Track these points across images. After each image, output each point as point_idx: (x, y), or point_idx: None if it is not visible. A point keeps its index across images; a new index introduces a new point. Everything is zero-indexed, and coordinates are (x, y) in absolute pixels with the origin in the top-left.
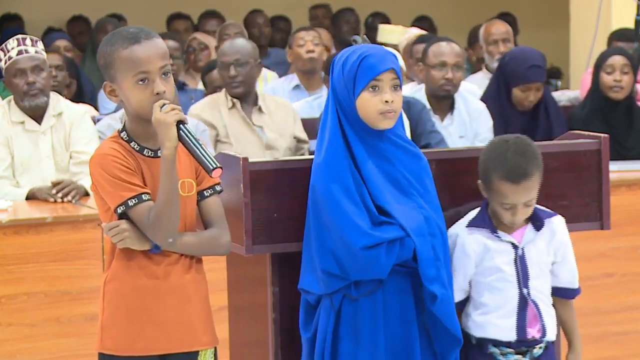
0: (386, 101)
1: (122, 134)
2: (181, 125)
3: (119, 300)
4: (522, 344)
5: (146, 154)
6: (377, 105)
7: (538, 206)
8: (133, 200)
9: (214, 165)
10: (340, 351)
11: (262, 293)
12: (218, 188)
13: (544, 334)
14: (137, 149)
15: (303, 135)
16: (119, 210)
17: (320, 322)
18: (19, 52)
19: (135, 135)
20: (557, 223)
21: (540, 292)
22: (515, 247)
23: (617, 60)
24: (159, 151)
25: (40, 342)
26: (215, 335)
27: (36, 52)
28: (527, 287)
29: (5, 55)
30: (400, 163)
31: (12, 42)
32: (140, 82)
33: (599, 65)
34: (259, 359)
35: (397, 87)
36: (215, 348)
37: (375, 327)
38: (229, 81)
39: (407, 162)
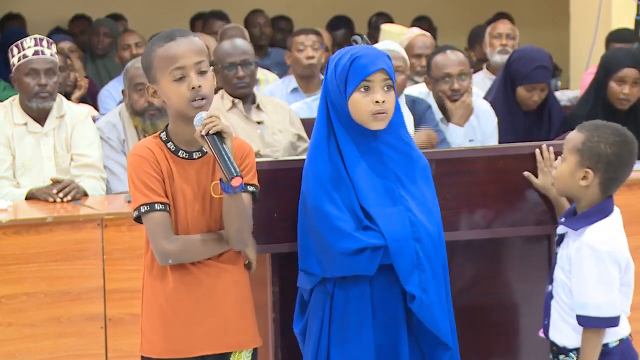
0: (377, 101)
1: (161, 134)
2: (207, 136)
3: (154, 303)
4: (552, 343)
5: (181, 155)
6: (368, 106)
7: (596, 211)
8: (145, 207)
9: (234, 174)
10: (333, 337)
11: (262, 293)
12: (250, 189)
13: (546, 334)
14: (173, 149)
15: (302, 133)
16: (135, 214)
17: (313, 312)
18: (35, 52)
19: (174, 136)
20: (585, 233)
21: (558, 294)
22: (560, 237)
23: (630, 73)
24: (194, 153)
25: (40, 342)
26: (256, 335)
27: (51, 55)
28: (551, 282)
29: (20, 52)
30: (394, 164)
31: (29, 41)
32: (177, 78)
33: (611, 71)
34: (259, 358)
35: (389, 87)
36: (255, 349)
37: (364, 319)
38: (235, 82)
39: (401, 164)
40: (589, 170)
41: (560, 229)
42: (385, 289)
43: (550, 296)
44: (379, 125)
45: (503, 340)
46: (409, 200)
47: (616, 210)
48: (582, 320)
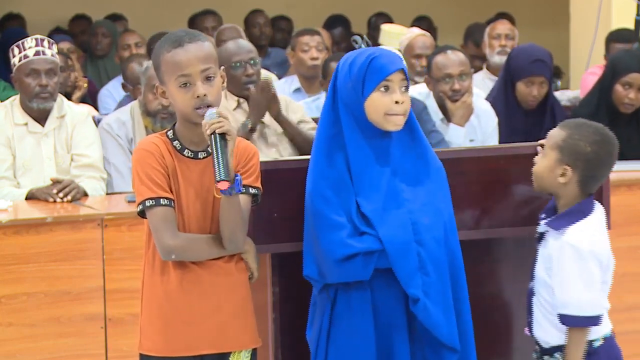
0: (396, 102)
1: (168, 132)
2: (212, 135)
3: (154, 300)
4: (536, 342)
5: (186, 154)
6: (387, 106)
7: (580, 208)
8: (150, 202)
9: (221, 177)
10: (332, 342)
11: (262, 293)
12: (252, 191)
13: (531, 332)
14: (179, 148)
15: (302, 116)
16: (139, 208)
17: (317, 318)
18: (36, 53)
19: (181, 135)
20: (567, 233)
21: (539, 291)
22: (540, 235)
23: (637, 78)
24: (199, 153)
25: (40, 342)
26: (255, 336)
27: (52, 55)
28: (532, 279)
29: (20, 52)
30: (405, 165)
31: (30, 41)
32: (182, 85)
33: (618, 74)
34: (259, 359)
35: (405, 88)
36: (254, 350)
37: (365, 323)
38: (244, 80)
39: (414, 165)
40: (567, 167)
41: (541, 228)
42: (387, 293)
43: (532, 293)
44: (395, 126)
45: (500, 341)
46: (415, 202)
47: (598, 209)
48: (564, 319)
